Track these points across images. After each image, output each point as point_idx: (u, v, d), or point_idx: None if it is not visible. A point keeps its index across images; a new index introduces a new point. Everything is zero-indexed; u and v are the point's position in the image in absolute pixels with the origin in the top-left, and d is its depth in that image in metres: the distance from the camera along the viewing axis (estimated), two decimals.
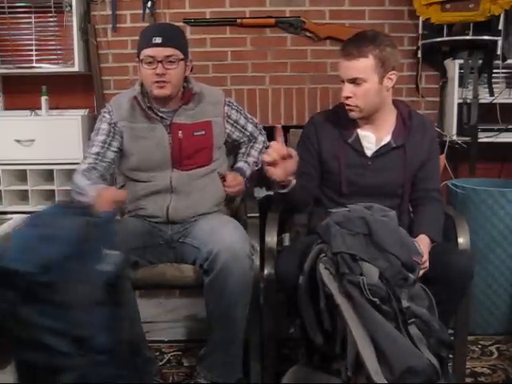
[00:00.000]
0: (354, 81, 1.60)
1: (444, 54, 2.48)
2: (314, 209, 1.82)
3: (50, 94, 2.58)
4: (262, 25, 2.50)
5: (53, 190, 2.58)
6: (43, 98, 2.56)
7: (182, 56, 1.72)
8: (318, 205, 1.81)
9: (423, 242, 1.57)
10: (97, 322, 1.21)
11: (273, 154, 1.51)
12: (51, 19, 2.53)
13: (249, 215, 1.89)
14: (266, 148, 1.94)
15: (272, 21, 2.49)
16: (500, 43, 2.30)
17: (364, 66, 1.57)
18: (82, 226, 1.27)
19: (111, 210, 1.46)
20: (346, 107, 1.66)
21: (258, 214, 1.88)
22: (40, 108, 2.57)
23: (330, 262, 1.35)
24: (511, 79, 2.46)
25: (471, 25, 2.28)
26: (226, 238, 1.61)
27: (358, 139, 1.71)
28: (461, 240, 1.72)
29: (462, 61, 2.38)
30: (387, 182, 1.71)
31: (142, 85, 1.78)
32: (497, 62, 2.36)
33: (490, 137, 2.43)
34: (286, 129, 2.15)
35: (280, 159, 1.52)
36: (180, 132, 1.78)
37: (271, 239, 1.74)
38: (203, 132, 1.81)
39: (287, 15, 2.50)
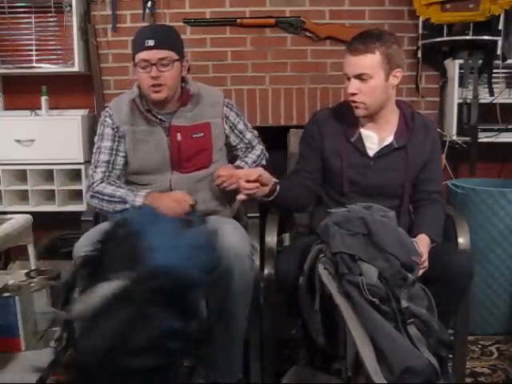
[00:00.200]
0: (360, 77, 1.59)
1: (444, 54, 2.48)
2: (315, 208, 1.82)
3: (49, 94, 2.58)
4: (262, 25, 2.50)
5: (53, 190, 2.58)
6: (43, 98, 2.56)
7: (176, 57, 1.70)
8: (319, 204, 1.81)
9: (423, 242, 1.56)
10: None
11: (245, 186, 1.56)
12: (51, 19, 2.53)
13: (249, 215, 1.89)
14: (264, 157, 1.98)
15: (272, 21, 2.49)
16: (500, 43, 2.30)
17: (371, 61, 1.57)
18: (206, 233, 1.37)
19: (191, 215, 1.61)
20: (353, 104, 1.65)
21: (258, 214, 1.87)
22: (40, 108, 2.58)
23: (329, 262, 1.35)
24: (511, 79, 2.46)
25: (471, 25, 2.28)
26: (226, 238, 1.61)
27: (360, 139, 1.71)
28: (461, 240, 1.72)
29: (461, 61, 2.38)
30: (388, 182, 1.71)
31: (139, 87, 1.77)
32: (497, 62, 2.36)
33: (490, 137, 2.43)
34: (286, 129, 2.15)
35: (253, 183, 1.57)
36: (179, 134, 1.77)
37: (271, 239, 1.74)
38: (202, 134, 1.80)
39: (287, 15, 2.50)
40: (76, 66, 2.51)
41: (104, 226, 1.65)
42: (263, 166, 1.86)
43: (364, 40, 1.58)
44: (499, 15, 2.25)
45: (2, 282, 2.18)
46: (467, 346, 1.92)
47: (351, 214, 1.41)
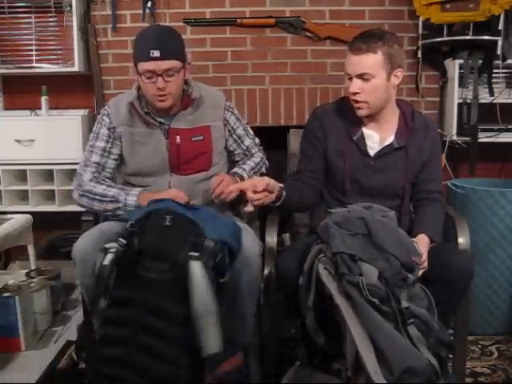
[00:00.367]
0: (362, 76, 1.59)
1: (444, 54, 2.48)
2: (315, 208, 1.81)
3: (50, 94, 2.58)
4: (262, 25, 2.50)
5: (53, 190, 2.58)
6: (43, 98, 2.56)
7: (181, 65, 1.68)
8: (319, 203, 1.81)
9: (422, 242, 1.56)
10: None
11: (254, 197, 1.54)
12: (51, 19, 2.53)
13: (249, 215, 1.89)
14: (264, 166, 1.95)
15: (272, 21, 2.49)
16: (500, 43, 2.30)
17: (373, 61, 1.57)
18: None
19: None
20: (354, 104, 1.65)
21: (258, 214, 1.87)
22: (40, 108, 2.58)
23: (329, 262, 1.35)
24: (511, 79, 2.46)
25: (471, 25, 2.28)
26: None
27: (362, 137, 1.71)
28: (461, 240, 1.72)
29: (461, 61, 2.38)
30: (389, 182, 1.71)
31: (138, 88, 1.75)
32: (497, 62, 2.36)
33: (490, 137, 2.43)
34: (286, 129, 2.15)
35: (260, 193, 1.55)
36: (178, 137, 1.76)
37: (271, 239, 1.74)
38: (201, 137, 1.79)
39: (287, 15, 2.51)
40: (76, 66, 2.51)
41: (104, 225, 1.66)
42: (263, 175, 1.87)
43: (366, 39, 1.58)
44: (499, 15, 2.25)
45: (1, 282, 2.18)
46: (467, 346, 1.92)
47: (351, 214, 1.41)
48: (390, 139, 1.70)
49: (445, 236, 1.70)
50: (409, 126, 1.71)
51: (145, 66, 1.64)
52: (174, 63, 1.65)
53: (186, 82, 1.78)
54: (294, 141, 2.06)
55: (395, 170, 1.70)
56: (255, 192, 1.53)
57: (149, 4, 2.48)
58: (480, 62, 2.37)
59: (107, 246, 1.41)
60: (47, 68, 2.56)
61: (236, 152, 1.92)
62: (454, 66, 2.40)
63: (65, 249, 2.80)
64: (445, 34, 2.35)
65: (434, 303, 1.41)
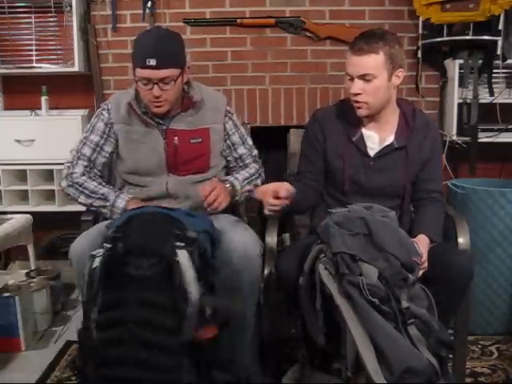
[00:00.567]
0: (363, 77, 1.58)
1: (444, 54, 2.49)
2: (315, 208, 1.81)
3: (50, 93, 2.58)
4: (262, 25, 2.50)
5: (53, 190, 2.58)
6: (43, 98, 2.56)
7: (179, 72, 1.65)
8: (319, 204, 1.81)
9: (422, 242, 1.56)
10: None
11: (273, 202, 1.52)
12: (51, 19, 2.53)
13: (249, 215, 1.89)
14: (259, 177, 1.90)
15: (272, 21, 2.49)
16: (500, 43, 2.30)
17: (375, 61, 1.57)
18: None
19: None
20: (355, 104, 1.65)
21: (258, 214, 1.88)
22: (40, 108, 2.58)
23: (329, 262, 1.35)
24: (511, 79, 2.46)
25: (471, 25, 2.28)
26: (237, 237, 1.61)
27: (362, 138, 1.71)
28: (461, 240, 1.72)
29: (462, 61, 2.38)
30: (389, 182, 1.71)
31: (136, 89, 1.74)
32: (497, 62, 2.36)
33: (490, 137, 2.43)
34: (286, 129, 2.15)
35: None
36: (176, 138, 1.75)
37: (271, 239, 1.74)
38: (200, 139, 1.78)
39: (287, 15, 2.51)
40: (76, 66, 2.51)
41: (101, 226, 1.66)
42: (257, 186, 1.81)
43: (367, 40, 1.57)
44: (499, 15, 2.25)
45: (1, 282, 2.19)
46: (467, 346, 1.92)
47: (352, 214, 1.41)
48: (390, 139, 1.70)
49: (445, 236, 1.70)
50: (409, 125, 1.71)
51: (141, 73, 1.62)
52: (170, 72, 1.62)
53: (187, 83, 1.77)
54: (294, 141, 2.06)
55: (395, 169, 1.70)
56: (276, 198, 1.51)
57: (149, 4, 2.48)
58: (480, 61, 2.38)
59: (94, 252, 1.42)
60: (47, 68, 2.56)
61: (228, 158, 1.89)
62: (454, 66, 2.40)
63: (65, 249, 2.80)
64: (445, 34, 2.35)
65: (434, 303, 1.41)
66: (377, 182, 1.70)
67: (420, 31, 2.44)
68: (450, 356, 1.63)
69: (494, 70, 2.40)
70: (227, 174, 1.90)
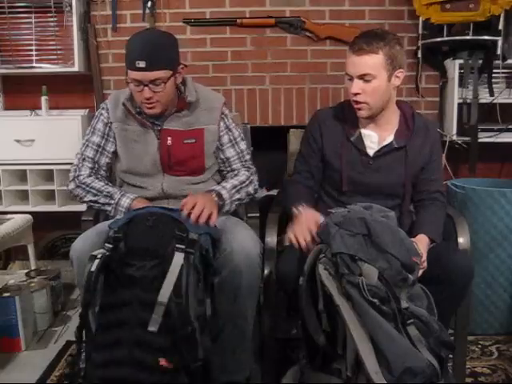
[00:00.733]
0: (363, 77, 1.58)
1: (444, 54, 2.49)
2: (315, 208, 1.81)
3: (50, 93, 2.58)
4: (262, 25, 2.50)
5: (53, 190, 2.58)
6: (43, 98, 2.56)
7: (170, 74, 1.64)
8: (318, 203, 1.81)
9: (422, 242, 1.56)
10: None
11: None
12: (51, 19, 2.53)
13: (249, 215, 1.89)
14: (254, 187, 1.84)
15: (272, 21, 2.49)
16: (500, 43, 2.30)
17: (374, 62, 1.57)
18: None
19: None
20: (355, 105, 1.64)
21: (258, 214, 1.87)
22: (40, 108, 2.58)
23: (329, 262, 1.35)
24: (511, 79, 2.46)
25: (471, 25, 2.28)
26: (238, 237, 1.61)
27: (360, 138, 1.71)
28: (461, 240, 1.72)
29: (462, 61, 2.38)
30: (388, 182, 1.71)
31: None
32: (497, 61, 2.36)
33: (490, 137, 2.43)
34: (286, 129, 2.15)
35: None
36: (169, 138, 1.75)
37: (271, 239, 1.74)
38: (194, 140, 1.76)
39: (287, 15, 2.51)
40: (76, 66, 2.51)
41: (102, 226, 1.66)
42: (250, 195, 1.81)
43: (368, 40, 1.57)
44: (499, 15, 2.25)
45: (2, 282, 2.19)
46: (467, 346, 1.92)
47: (351, 215, 1.41)
48: (390, 139, 1.70)
49: (445, 236, 1.70)
50: (409, 126, 1.71)
51: (131, 75, 1.62)
52: (160, 73, 1.61)
53: (183, 82, 1.77)
54: (294, 141, 2.06)
55: (394, 169, 1.70)
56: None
57: (149, 4, 2.48)
58: (480, 61, 2.38)
59: (94, 253, 1.43)
60: (47, 68, 2.56)
61: (218, 160, 1.85)
62: (453, 66, 2.40)
63: (65, 249, 2.81)
64: (445, 34, 2.35)
65: (434, 303, 1.41)
66: (375, 181, 1.70)
67: (420, 31, 2.44)
68: (450, 356, 1.63)
69: (494, 70, 2.40)
70: (221, 178, 1.89)
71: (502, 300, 2.16)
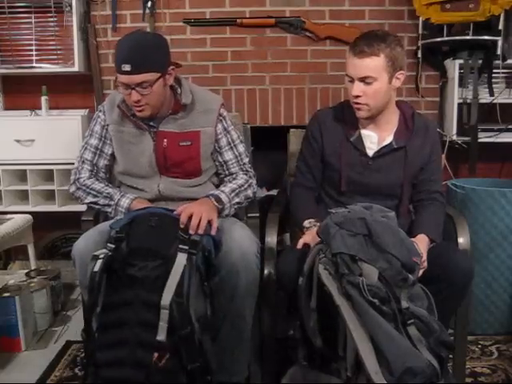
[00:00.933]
0: (364, 79, 1.58)
1: (444, 54, 2.49)
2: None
3: (50, 93, 2.58)
4: (262, 25, 2.50)
5: (53, 190, 2.58)
6: (43, 98, 2.56)
7: (157, 76, 1.61)
8: (318, 204, 1.81)
9: (422, 242, 1.56)
10: None
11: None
12: (51, 19, 2.53)
13: (249, 215, 1.88)
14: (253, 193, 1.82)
15: (272, 21, 2.49)
16: (500, 43, 2.30)
17: (376, 64, 1.56)
18: None
19: None
20: (355, 106, 1.64)
21: (258, 214, 1.87)
22: (40, 108, 2.58)
23: (329, 262, 1.35)
24: (511, 79, 2.46)
25: (471, 25, 2.28)
26: (234, 237, 1.61)
27: (360, 138, 1.71)
28: (461, 240, 1.72)
29: (462, 61, 2.38)
30: (387, 182, 1.71)
31: None
32: (497, 61, 2.36)
33: (490, 137, 2.43)
34: (286, 129, 2.15)
35: None
36: (165, 140, 1.73)
37: (271, 239, 1.74)
38: (189, 143, 1.74)
39: (287, 15, 2.51)
40: (76, 66, 2.51)
41: (104, 226, 1.66)
42: (248, 199, 1.80)
43: (369, 42, 1.56)
44: (499, 15, 2.25)
45: (2, 282, 2.19)
46: (467, 346, 1.92)
47: (352, 215, 1.41)
48: (389, 139, 1.70)
49: (445, 236, 1.70)
50: (408, 126, 1.71)
51: (119, 78, 1.61)
52: (147, 76, 1.59)
53: (178, 84, 1.75)
54: (294, 141, 2.06)
55: (394, 169, 1.70)
56: None
57: (149, 4, 2.48)
58: (480, 61, 2.38)
59: (97, 253, 1.43)
60: (47, 68, 2.56)
61: (216, 163, 1.83)
62: (453, 66, 2.40)
63: (65, 249, 2.81)
64: (445, 34, 2.35)
65: (434, 303, 1.41)
66: (375, 181, 1.70)
67: (420, 31, 2.44)
68: (450, 356, 1.64)
69: (494, 70, 2.40)
70: (219, 181, 1.88)
71: (502, 300, 2.16)
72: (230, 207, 1.72)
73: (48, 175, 2.60)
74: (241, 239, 1.60)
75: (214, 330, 1.59)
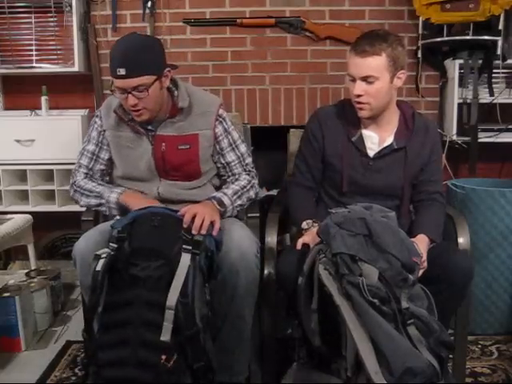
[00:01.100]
0: (366, 79, 1.58)
1: (444, 54, 2.49)
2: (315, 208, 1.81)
3: (50, 93, 2.58)
4: (262, 25, 2.50)
5: (53, 190, 2.58)
6: (43, 98, 2.56)
7: (153, 79, 1.59)
8: (318, 204, 1.81)
9: (422, 242, 1.56)
10: None
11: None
12: (51, 19, 2.53)
13: (249, 215, 1.88)
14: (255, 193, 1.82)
15: (272, 21, 2.49)
16: (500, 43, 2.30)
17: (377, 64, 1.56)
18: None
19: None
20: (357, 105, 1.64)
21: (258, 214, 1.87)
22: (40, 108, 2.58)
23: (329, 262, 1.35)
24: (511, 79, 2.46)
25: (471, 25, 2.28)
26: (234, 237, 1.61)
27: (361, 139, 1.71)
28: (461, 240, 1.72)
29: (462, 61, 2.38)
30: (387, 183, 1.71)
31: None
32: (497, 61, 2.36)
33: (490, 137, 2.43)
34: (286, 129, 2.15)
35: None
36: (163, 144, 1.72)
37: (271, 239, 1.73)
38: (188, 146, 1.73)
39: (287, 15, 2.51)
40: (76, 66, 2.51)
41: (104, 226, 1.66)
42: (251, 200, 1.79)
43: (370, 41, 1.56)
44: (499, 15, 2.25)
45: (1, 282, 2.19)
46: (467, 346, 1.92)
47: (352, 215, 1.41)
48: (390, 140, 1.70)
49: (445, 236, 1.70)
50: (409, 127, 1.71)
51: (115, 82, 1.60)
52: (142, 80, 1.57)
53: (175, 86, 1.74)
54: (294, 141, 2.06)
55: (394, 170, 1.70)
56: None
57: (149, 4, 2.48)
58: (480, 61, 2.38)
59: (99, 252, 1.43)
60: (47, 68, 2.56)
61: (218, 165, 1.82)
62: (453, 66, 2.40)
63: (65, 249, 2.81)
64: (445, 34, 2.35)
65: (434, 303, 1.41)
66: (375, 183, 1.70)
67: (420, 31, 2.45)
68: (450, 356, 1.63)
69: (494, 70, 2.40)
70: (220, 181, 1.87)
71: (502, 300, 2.16)
72: (233, 209, 1.73)
73: (48, 175, 2.60)
74: (240, 239, 1.60)
75: (214, 330, 1.59)
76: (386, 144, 1.70)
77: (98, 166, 1.80)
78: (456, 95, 2.40)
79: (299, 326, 1.48)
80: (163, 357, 1.34)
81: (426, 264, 1.50)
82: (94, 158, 1.80)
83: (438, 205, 1.74)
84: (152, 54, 1.62)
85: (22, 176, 2.61)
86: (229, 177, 1.83)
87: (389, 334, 1.26)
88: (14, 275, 2.38)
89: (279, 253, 1.71)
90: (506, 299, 2.16)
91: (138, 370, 1.35)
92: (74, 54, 2.50)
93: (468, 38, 2.30)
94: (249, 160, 1.84)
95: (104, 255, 1.42)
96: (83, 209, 1.84)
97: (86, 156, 1.80)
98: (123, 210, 1.68)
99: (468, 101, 2.40)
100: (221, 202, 1.68)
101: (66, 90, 2.68)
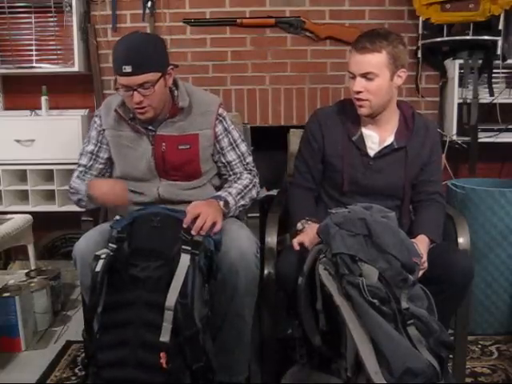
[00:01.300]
0: (366, 75, 1.58)
1: (444, 54, 2.49)
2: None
3: (50, 93, 2.58)
4: (262, 25, 2.50)
5: (53, 190, 2.58)
6: (43, 98, 2.56)
7: (158, 76, 1.59)
8: (318, 204, 1.81)
9: (422, 242, 1.56)
10: None
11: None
12: (51, 19, 2.53)
13: (249, 215, 1.89)
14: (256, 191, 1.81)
15: (272, 21, 2.49)
16: (500, 43, 2.30)
17: (378, 60, 1.57)
18: None
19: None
20: (357, 103, 1.64)
21: (258, 214, 1.87)
22: (40, 108, 2.58)
23: (329, 262, 1.35)
24: (511, 79, 2.46)
25: (471, 25, 2.28)
26: (233, 236, 1.61)
27: (362, 138, 1.71)
28: (461, 240, 1.72)
29: (462, 61, 2.38)
30: (388, 182, 1.71)
31: None
32: (497, 61, 2.36)
33: (490, 137, 2.43)
34: (286, 129, 2.15)
35: None
36: (163, 144, 1.72)
37: (271, 239, 1.73)
38: (188, 146, 1.73)
39: (287, 15, 2.51)
40: (76, 66, 2.51)
41: (105, 226, 1.66)
42: (253, 199, 1.79)
43: (371, 39, 1.57)
44: (499, 15, 2.25)
45: (1, 282, 2.19)
46: (467, 346, 1.92)
47: (352, 215, 1.41)
48: (390, 140, 1.70)
49: (445, 236, 1.70)
50: (409, 126, 1.71)
51: (119, 80, 1.60)
52: (148, 77, 1.57)
53: (175, 84, 1.74)
54: (294, 141, 2.06)
55: (395, 170, 1.70)
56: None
57: (149, 4, 2.48)
58: (480, 61, 2.38)
59: (98, 253, 1.44)
60: (47, 68, 2.56)
61: (218, 164, 1.82)
62: (453, 66, 2.40)
63: (65, 249, 2.81)
64: (445, 34, 2.35)
65: (434, 303, 1.41)
66: (376, 183, 1.70)
67: (420, 31, 2.45)
68: (450, 356, 1.64)
69: (494, 70, 2.40)
70: (221, 179, 1.87)
71: (502, 300, 2.16)
72: (236, 210, 1.72)
73: (48, 175, 2.60)
74: (240, 239, 1.60)
75: (214, 330, 1.59)
76: (386, 144, 1.70)
77: (96, 165, 1.80)
78: (456, 95, 2.40)
79: (299, 326, 1.48)
80: (163, 357, 1.34)
81: (426, 265, 1.50)
82: (94, 157, 1.80)
83: (437, 205, 1.74)
84: (156, 51, 1.63)
85: (21, 176, 2.61)
86: (230, 176, 1.82)
87: (389, 334, 1.26)
88: (14, 275, 2.38)
89: (279, 253, 1.71)
90: (506, 299, 2.16)
91: (138, 371, 1.36)
92: (73, 53, 2.50)
93: (468, 37, 2.30)
94: (249, 159, 1.84)
95: (104, 256, 1.42)
96: (83, 209, 1.84)
97: (85, 156, 1.80)
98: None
99: (468, 101, 2.40)
100: (226, 203, 1.67)
101: (66, 90, 2.68)
